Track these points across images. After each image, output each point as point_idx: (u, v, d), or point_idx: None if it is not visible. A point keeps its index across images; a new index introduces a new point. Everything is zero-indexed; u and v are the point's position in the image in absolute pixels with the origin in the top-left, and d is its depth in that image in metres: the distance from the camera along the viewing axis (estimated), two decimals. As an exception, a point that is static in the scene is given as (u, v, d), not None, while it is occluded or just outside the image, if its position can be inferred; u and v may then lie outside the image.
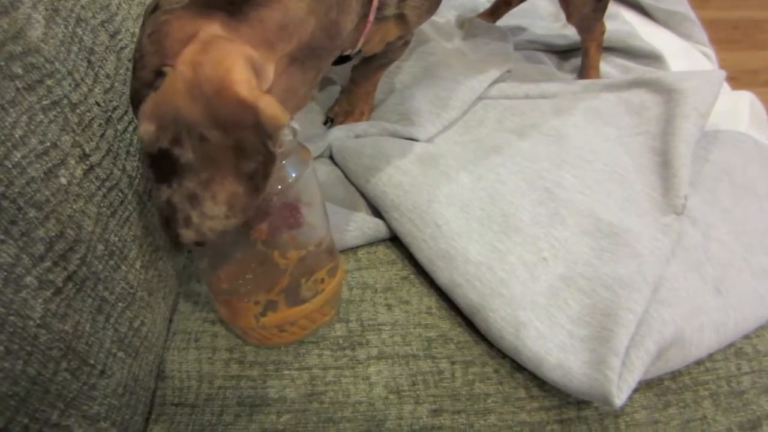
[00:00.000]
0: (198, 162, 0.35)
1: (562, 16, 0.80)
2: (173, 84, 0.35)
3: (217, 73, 0.33)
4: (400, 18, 0.55)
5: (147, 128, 0.35)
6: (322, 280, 0.49)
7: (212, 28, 0.36)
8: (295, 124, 0.42)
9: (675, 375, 0.50)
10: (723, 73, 0.70)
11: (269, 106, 0.33)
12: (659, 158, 0.62)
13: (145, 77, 0.37)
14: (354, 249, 0.58)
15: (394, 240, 0.59)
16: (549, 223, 0.55)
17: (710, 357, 0.51)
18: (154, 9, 0.38)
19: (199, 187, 0.36)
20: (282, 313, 0.47)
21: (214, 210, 0.36)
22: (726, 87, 0.81)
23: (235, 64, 0.34)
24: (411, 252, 0.56)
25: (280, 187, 0.42)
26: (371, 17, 0.48)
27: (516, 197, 0.58)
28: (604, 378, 0.43)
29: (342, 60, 0.55)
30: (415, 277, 0.56)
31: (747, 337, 0.52)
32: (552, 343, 0.47)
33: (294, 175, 0.43)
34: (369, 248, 0.59)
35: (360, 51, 0.55)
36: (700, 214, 0.58)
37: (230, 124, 0.34)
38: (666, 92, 0.67)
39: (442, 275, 0.53)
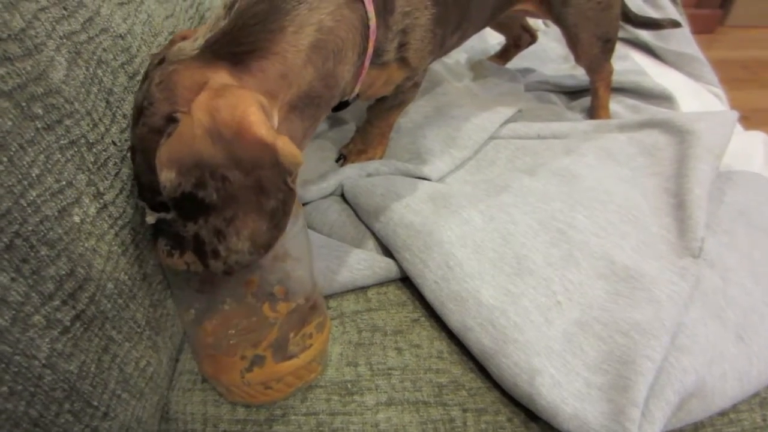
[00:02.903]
0: (221, 201, 0.36)
1: (571, 57, 0.81)
2: (190, 130, 0.36)
3: (234, 116, 0.35)
4: (402, 61, 0.56)
5: (168, 176, 0.36)
6: (311, 335, 0.47)
7: (220, 77, 0.37)
8: None
9: (697, 427, 0.48)
10: (735, 114, 0.70)
11: (287, 145, 0.35)
12: (674, 200, 0.61)
13: (156, 123, 0.38)
14: (364, 289, 0.57)
15: (405, 281, 0.58)
16: (563, 265, 0.54)
17: (734, 407, 0.49)
18: (161, 61, 0.40)
19: (223, 224, 0.37)
20: (269, 368, 0.46)
21: (238, 245, 0.37)
22: (739, 127, 0.81)
23: (250, 107, 0.35)
24: (422, 293, 0.55)
25: None
26: (366, 64, 0.49)
27: (528, 238, 0.57)
28: (623, 430, 0.42)
29: (340, 106, 0.55)
30: (426, 319, 0.55)
31: (771, 386, 0.51)
32: (568, 391, 0.45)
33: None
34: (379, 288, 0.58)
35: (358, 96, 0.55)
36: (718, 256, 0.57)
37: (250, 164, 0.35)
38: (678, 133, 0.67)
39: (454, 318, 0.52)
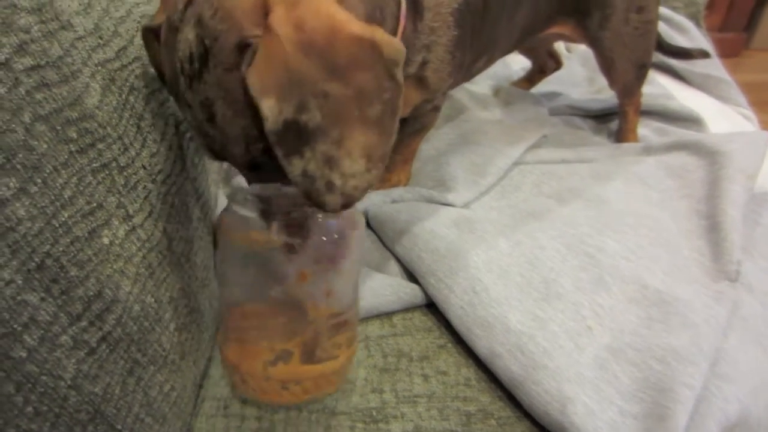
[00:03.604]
0: (327, 122, 0.34)
1: (597, 81, 0.81)
2: (277, 49, 0.33)
3: (322, 21, 0.33)
4: (421, 80, 0.56)
5: (268, 104, 0.33)
6: (340, 346, 0.47)
7: None
8: None
9: (741, 459, 0.45)
10: (767, 134, 0.68)
11: (384, 36, 0.34)
12: (706, 222, 0.59)
13: (229, 59, 0.35)
14: (389, 315, 0.57)
15: (431, 306, 0.57)
16: (592, 289, 0.53)
17: (779, 440, 0.46)
18: (188, 3, 0.37)
19: (333, 148, 0.34)
20: (293, 367, 0.45)
21: (354, 167, 0.34)
22: (771, 148, 0.79)
23: (332, 7, 0.34)
24: (448, 319, 0.54)
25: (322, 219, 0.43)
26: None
27: (556, 263, 0.56)
28: (661, 460, 0.40)
29: None
30: (452, 345, 0.54)
31: (819, 418, 0.48)
32: (602, 420, 0.44)
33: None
34: (405, 314, 0.57)
35: None
36: (757, 281, 0.55)
37: (350, 69, 0.33)
38: (708, 155, 0.66)
39: (481, 344, 0.51)
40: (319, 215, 0.43)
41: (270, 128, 0.33)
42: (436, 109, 0.65)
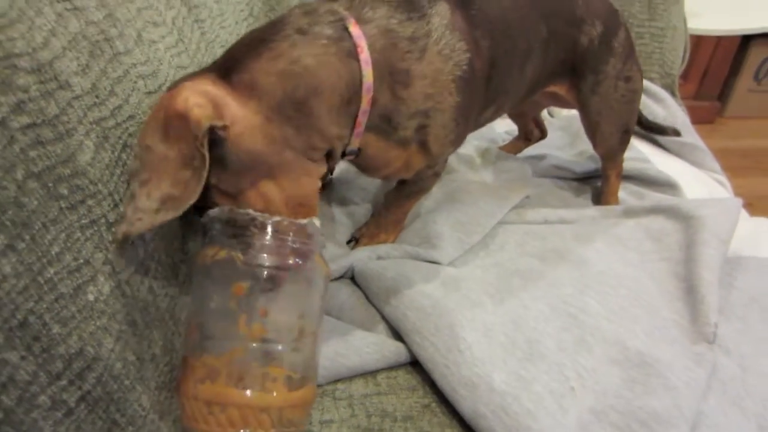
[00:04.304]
0: (140, 167, 0.43)
1: (578, 145, 0.84)
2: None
3: (173, 100, 0.43)
4: (422, 146, 0.58)
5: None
6: (274, 379, 0.45)
7: (199, 83, 0.46)
8: (316, 221, 0.50)
9: None
10: (740, 201, 0.71)
11: (199, 110, 0.43)
12: (684, 284, 0.61)
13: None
14: (373, 373, 0.56)
15: (415, 365, 0.57)
16: (575, 350, 0.53)
17: (763, 506, 0.46)
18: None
19: (137, 186, 0.42)
20: (218, 388, 0.43)
21: (146, 205, 0.42)
22: (744, 213, 0.82)
23: (184, 91, 0.44)
24: (433, 378, 0.54)
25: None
26: (361, 119, 0.52)
27: (540, 323, 0.56)
28: None
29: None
30: (437, 405, 0.53)
31: (802, 483, 0.48)
32: (586, 484, 0.43)
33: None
34: (389, 372, 0.57)
35: (359, 152, 0.57)
36: (734, 343, 0.56)
37: (174, 137, 0.43)
38: (684, 219, 0.68)
39: (466, 405, 0.50)
40: (267, 238, 0.47)
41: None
42: (437, 174, 0.66)
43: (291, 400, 0.46)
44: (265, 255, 0.46)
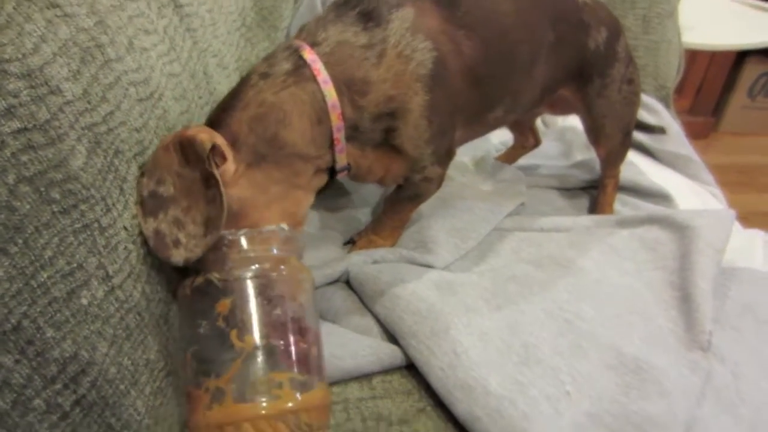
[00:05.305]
0: (178, 194, 0.46)
1: (572, 155, 0.84)
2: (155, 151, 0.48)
3: (181, 133, 0.48)
4: (394, 148, 0.58)
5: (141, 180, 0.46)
6: (280, 385, 0.44)
7: (198, 130, 0.49)
8: (284, 226, 0.53)
9: None
10: (733, 212, 0.71)
11: (201, 136, 0.47)
12: (679, 293, 0.61)
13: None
14: (369, 376, 0.56)
15: (411, 368, 0.57)
16: (570, 355, 0.53)
17: None
18: None
19: (181, 214, 0.46)
20: (227, 407, 0.43)
21: (195, 230, 0.46)
22: (738, 226, 0.82)
23: (192, 128, 0.48)
24: (428, 381, 0.53)
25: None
26: (337, 136, 0.55)
27: (536, 328, 0.57)
28: None
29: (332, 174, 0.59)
30: (432, 409, 0.53)
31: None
32: (581, 489, 0.43)
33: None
34: (384, 376, 0.56)
35: (350, 169, 0.60)
36: (728, 351, 0.56)
37: (193, 162, 0.47)
38: (679, 229, 0.68)
39: (461, 408, 0.50)
40: (239, 251, 0.49)
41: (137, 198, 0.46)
42: (428, 180, 0.65)
43: (303, 403, 0.46)
44: (241, 267, 0.47)
